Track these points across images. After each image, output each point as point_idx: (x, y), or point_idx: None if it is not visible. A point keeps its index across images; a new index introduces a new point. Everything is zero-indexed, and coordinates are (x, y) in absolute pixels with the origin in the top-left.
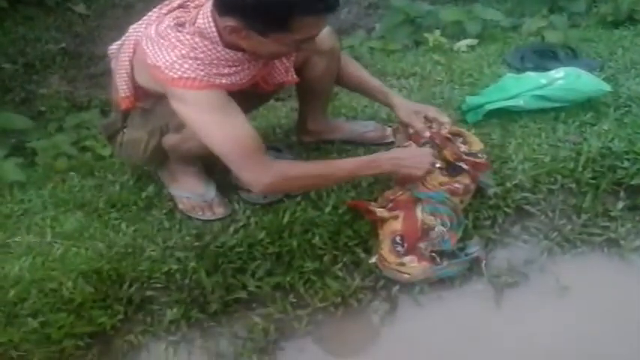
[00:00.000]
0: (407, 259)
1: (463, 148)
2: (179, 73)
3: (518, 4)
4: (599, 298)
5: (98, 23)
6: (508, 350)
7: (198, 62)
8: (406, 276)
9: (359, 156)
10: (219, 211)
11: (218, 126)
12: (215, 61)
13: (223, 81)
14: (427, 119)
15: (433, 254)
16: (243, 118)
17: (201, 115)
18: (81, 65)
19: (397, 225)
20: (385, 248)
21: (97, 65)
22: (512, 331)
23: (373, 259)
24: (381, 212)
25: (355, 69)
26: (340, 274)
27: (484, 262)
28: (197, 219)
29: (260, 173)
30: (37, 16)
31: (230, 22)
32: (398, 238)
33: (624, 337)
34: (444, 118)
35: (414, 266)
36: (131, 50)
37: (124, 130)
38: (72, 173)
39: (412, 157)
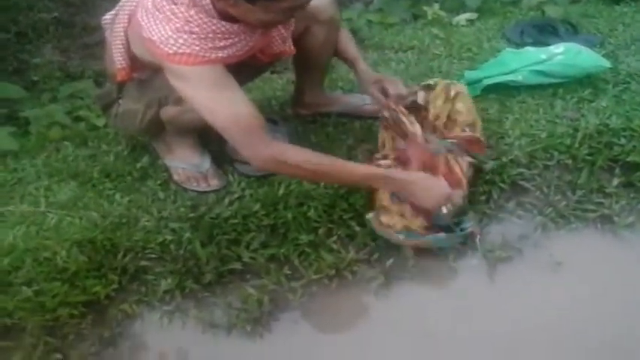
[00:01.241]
0: (406, 209)
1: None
2: (174, 48)
3: None
4: (592, 274)
5: None
6: (501, 324)
7: (194, 37)
8: (400, 237)
9: (355, 129)
10: (214, 182)
11: (216, 102)
12: (210, 35)
13: (219, 54)
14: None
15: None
16: (242, 94)
17: (198, 92)
18: (74, 35)
19: None
20: (385, 199)
21: (91, 35)
22: (505, 305)
23: (369, 215)
24: (386, 164)
25: (347, 39)
26: (335, 246)
27: (479, 237)
28: (192, 190)
29: (259, 150)
30: None
31: None
32: None
33: (616, 312)
34: (400, 90)
35: (414, 220)
36: (126, 21)
37: (120, 101)
38: (66, 143)
39: (427, 189)
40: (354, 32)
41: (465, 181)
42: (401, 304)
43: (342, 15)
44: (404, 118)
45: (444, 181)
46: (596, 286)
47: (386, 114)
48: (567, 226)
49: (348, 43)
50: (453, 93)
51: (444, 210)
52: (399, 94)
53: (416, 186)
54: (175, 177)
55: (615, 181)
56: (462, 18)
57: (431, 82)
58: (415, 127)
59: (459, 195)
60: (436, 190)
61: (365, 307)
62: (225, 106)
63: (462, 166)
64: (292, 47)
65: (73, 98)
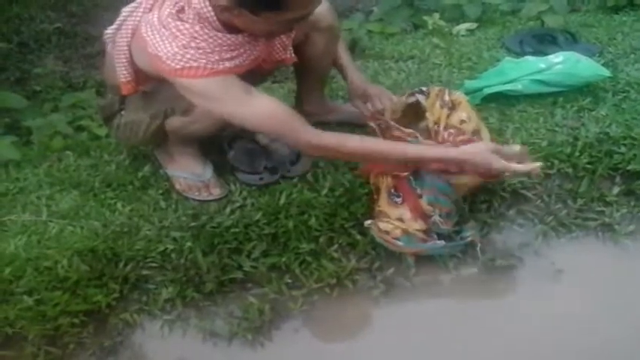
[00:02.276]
0: (405, 212)
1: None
2: (181, 63)
3: None
4: (593, 282)
5: (94, 3)
6: (502, 333)
7: (200, 51)
8: (400, 244)
9: None
10: (216, 191)
11: (245, 106)
12: (217, 48)
13: (227, 65)
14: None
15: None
16: (262, 94)
17: (217, 103)
18: (76, 45)
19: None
20: (383, 203)
21: (93, 45)
22: (506, 314)
23: (368, 222)
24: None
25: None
26: (336, 255)
27: (479, 245)
28: (193, 199)
29: (298, 142)
30: None
31: (222, 0)
32: (393, 190)
33: (618, 320)
34: (384, 104)
35: (412, 224)
36: (129, 35)
37: (122, 113)
38: (68, 152)
39: (481, 160)
40: (355, 42)
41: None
42: (402, 312)
43: (343, 25)
44: (394, 126)
45: (480, 143)
46: (597, 294)
47: (373, 124)
48: (568, 235)
49: (341, 51)
50: (447, 98)
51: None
52: (381, 109)
53: (466, 162)
54: (177, 186)
55: (616, 190)
56: (462, 28)
57: (423, 88)
58: (407, 131)
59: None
60: (484, 152)
61: (366, 316)
62: (254, 109)
63: None
64: (293, 55)
65: (74, 108)
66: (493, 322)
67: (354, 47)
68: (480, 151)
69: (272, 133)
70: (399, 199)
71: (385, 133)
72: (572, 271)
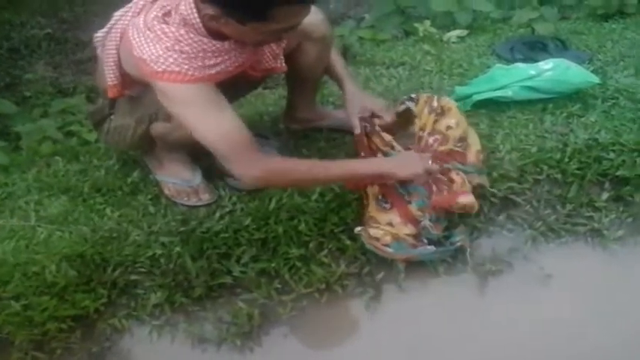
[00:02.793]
0: (395, 217)
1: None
2: (163, 66)
3: None
4: (581, 287)
5: (84, 9)
6: (491, 337)
7: (184, 56)
8: (390, 250)
9: (346, 143)
10: (205, 197)
11: (205, 120)
12: (201, 54)
13: (209, 72)
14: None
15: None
16: (231, 112)
17: (187, 109)
18: (67, 51)
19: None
20: (372, 209)
21: (83, 51)
22: (495, 318)
23: (358, 229)
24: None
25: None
26: (325, 260)
27: (468, 250)
28: (182, 204)
29: (249, 167)
30: (22, 1)
31: (209, 9)
32: (380, 196)
33: (607, 325)
34: (387, 119)
35: (402, 228)
36: (118, 39)
37: (111, 117)
38: (57, 157)
39: (403, 162)
40: (346, 49)
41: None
42: (391, 317)
43: (335, 32)
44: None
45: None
46: (585, 299)
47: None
48: (557, 240)
49: (336, 62)
50: (435, 104)
51: (427, 222)
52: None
53: (391, 162)
54: (166, 191)
55: (605, 195)
56: (453, 35)
57: (413, 95)
58: (386, 139)
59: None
60: (410, 159)
61: (355, 321)
62: (214, 124)
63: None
64: (284, 64)
65: (64, 114)
66: (482, 327)
67: (345, 54)
68: (406, 156)
69: (223, 153)
70: (387, 205)
71: (369, 136)
72: (561, 276)
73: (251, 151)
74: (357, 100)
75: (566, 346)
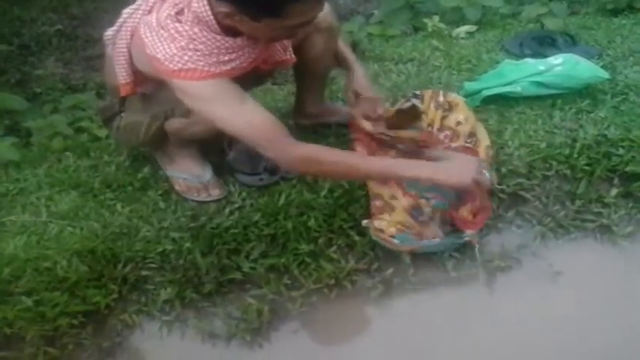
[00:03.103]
0: (397, 191)
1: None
2: (179, 65)
3: None
4: (591, 284)
5: (95, 5)
6: (500, 333)
7: (198, 53)
8: (396, 242)
9: None
10: (215, 192)
11: (232, 113)
12: (215, 51)
13: (224, 68)
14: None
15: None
16: (253, 102)
17: (211, 105)
18: (77, 47)
19: None
20: (373, 186)
21: (93, 47)
22: (504, 314)
23: (365, 222)
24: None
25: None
26: (335, 256)
27: (477, 246)
28: (192, 200)
29: (285, 151)
30: None
31: (223, 7)
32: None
33: (615, 322)
34: (377, 108)
35: (402, 201)
36: (128, 37)
37: (122, 115)
38: (67, 153)
39: (458, 166)
40: (355, 44)
41: None
42: (400, 313)
43: (344, 28)
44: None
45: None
46: (595, 296)
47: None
48: (566, 236)
49: (344, 48)
50: (442, 99)
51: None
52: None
53: (438, 167)
54: (176, 187)
55: (614, 191)
56: (462, 30)
57: (417, 92)
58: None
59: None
60: (465, 162)
61: (364, 317)
62: (242, 114)
63: None
64: (293, 56)
65: (74, 110)
66: (491, 323)
67: (354, 49)
68: (459, 160)
69: (257, 141)
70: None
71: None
72: (570, 272)
73: (284, 136)
74: (364, 85)
75: (576, 342)
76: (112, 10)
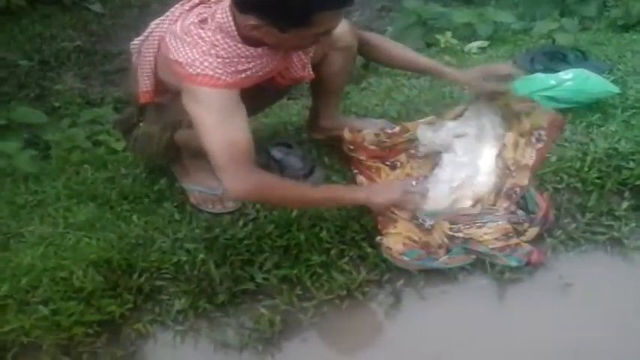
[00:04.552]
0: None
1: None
2: (198, 70)
3: (530, 7)
4: (601, 296)
5: (113, 22)
6: (510, 346)
7: (219, 60)
8: (405, 259)
9: None
10: (230, 204)
11: (216, 126)
12: (235, 59)
13: (239, 77)
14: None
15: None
16: (244, 123)
17: (206, 113)
18: (95, 63)
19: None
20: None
21: (111, 63)
22: (514, 327)
23: (378, 238)
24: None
25: (404, 51)
26: (346, 267)
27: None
28: (207, 212)
29: (238, 180)
30: (54, 15)
31: (250, 20)
32: None
33: (626, 335)
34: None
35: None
36: (155, 46)
37: (140, 125)
38: (85, 166)
39: (382, 188)
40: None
41: None
42: (411, 325)
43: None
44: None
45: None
46: (605, 309)
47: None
48: (577, 249)
49: (417, 56)
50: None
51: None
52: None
53: (371, 191)
54: (192, 199)
55: (625, 204)
56: (474, 46)
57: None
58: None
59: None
60: (388, 186)
61: (375, 328)
62: (221, 132)
63: None
64: (311, 73)
65: (92, 123)
66: (502, 336)
67: (367, 64)
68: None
69: (223, 161)
70: None
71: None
72: (580, 285)
73: (244, 166)
74: (472, 75)
75: (586, 355)
76: (130, 26)
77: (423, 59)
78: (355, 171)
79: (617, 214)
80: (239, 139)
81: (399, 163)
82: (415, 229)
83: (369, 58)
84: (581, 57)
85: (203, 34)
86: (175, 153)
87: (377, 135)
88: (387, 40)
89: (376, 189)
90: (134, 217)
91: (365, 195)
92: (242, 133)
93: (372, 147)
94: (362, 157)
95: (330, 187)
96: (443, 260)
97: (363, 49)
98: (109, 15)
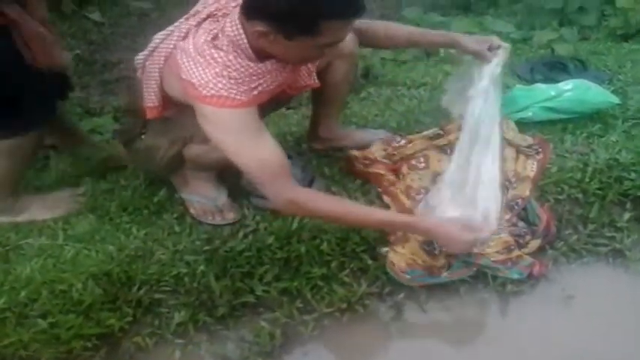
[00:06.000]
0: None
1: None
2: (212, 91)
3: (529, 16)
4: (603, 308)
5: (112, 31)
6: (513, 357)
7: (232, 81)
8: (406, 277)
9: None
10: (230, 216)
11: (243, 146)
12: (247, 79)
13: (252, 94)
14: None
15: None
16: (269, 138)
17: (229, 135)
18: (95, 72)
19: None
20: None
21: (111, 72)
22: (516, 339)
23: (384, 249)
24: None
25: (399, 27)
26: (347, 279)
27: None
28: (207, 223)
29: (282, 191)
30: (53, 23)
31: (258, 26)
32: None
33: (628, 346)
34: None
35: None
36: (162, 61)
37: (142, 137)
38: (85, 177)
39: (449, 241)
40: (368, 69)
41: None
42: (412, 337)
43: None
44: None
45: (468, 225)
46: (607, 320)
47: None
48: (579, 260)
49: (416, 29)
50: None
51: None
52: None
53: (437, 234)
54: (192, 210)
55: (626, 216)
56: None
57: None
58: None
59: (484, 233)
60: (458, 237)
61: (376, 341)
62: (252, 150)
63: None
64: (316, 80)
65: (92, 133)
66: (504, 348)
67: (367, 74)
68: (448, 227)
69: (261, 178)
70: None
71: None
72: (582, 296)
73: (285, 177)
74: (473, 39)
75: None
76: (129, 35)
77: (430, 31)
78: (379, 189)
79: (618, 225)
80: (272, 155)
81: (401, 175)
82: (421, 253)
83: (372, 45)
84: (580, 67)
85: (216, 55)
86: (178, 166)
87: (385, 149)
88: (386, 22)
89: (451, 236)
90: (133, 229)
91: (427, 228)
92: (273, 148)
93: (385, 161)
94: (382, 172)
95: (383, 212)
96: (444, 276)
97: (364, 36)
98: (109, 24)
